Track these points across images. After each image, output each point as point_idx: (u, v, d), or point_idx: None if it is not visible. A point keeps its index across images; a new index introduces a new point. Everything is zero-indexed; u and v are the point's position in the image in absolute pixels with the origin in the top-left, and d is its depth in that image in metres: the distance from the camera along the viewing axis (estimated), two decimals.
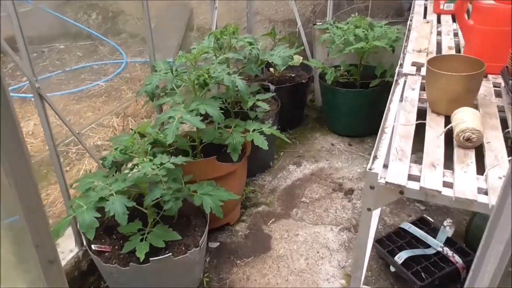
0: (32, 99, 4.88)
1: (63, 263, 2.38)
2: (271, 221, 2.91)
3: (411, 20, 2.88)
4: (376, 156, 1.44)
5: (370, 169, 1.36)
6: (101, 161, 2.07)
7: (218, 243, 2.73)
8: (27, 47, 1.95)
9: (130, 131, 4.23)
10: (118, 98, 4.86)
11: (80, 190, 2.02)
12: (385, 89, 3.68)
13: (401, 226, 2.55)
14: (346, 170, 3.43)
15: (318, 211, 2.99)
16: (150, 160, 1.99)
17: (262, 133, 2.62)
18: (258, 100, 3.02)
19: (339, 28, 3.63)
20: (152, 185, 2.00)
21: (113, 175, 2.08)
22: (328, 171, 3.43)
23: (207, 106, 2.26)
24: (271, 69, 4.03)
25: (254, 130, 2.64)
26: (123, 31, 6.76)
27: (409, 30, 2.66)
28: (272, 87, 3.56)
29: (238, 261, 2.59)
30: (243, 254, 2.65)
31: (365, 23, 3.55)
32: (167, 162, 1.97)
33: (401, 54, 2.29)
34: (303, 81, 3.88)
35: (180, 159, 2.01)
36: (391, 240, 2.48)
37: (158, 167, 1.95)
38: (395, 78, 2.00)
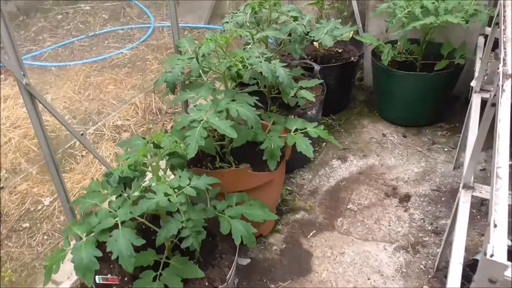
0: (53, 68, 4.57)
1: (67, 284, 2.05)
2: (311, 234, 2.47)
3: None
4: (495, 223, 0.94)
5: (491, 256, 0.88)
6: (106, 177, 1.64)
7: (249, 260, 2.33)
8: (12, 37, 1.47)
9: (153, 111, 3.84)
10: (143, 69, 4.42)
11: (80, 211, 1.62)
12: (453, 74, 3.07)
13: (477, 257, 2.05)
14: (400, 169, 2.91)
15: (368, 223, 2.52)
16: (165, 181, 1.56)
17: (306, 134, 2.13)
18: (301, 88, 2.51)
19: None
20: (168, 214, 1.58)
21: (121, 194, 1.66)
22: (379, 169, 2.92)
23: (240, 106, 1.78)
24: (315, 43, 3.47)
25: (296, 130, 2.16)
26: None
27: (503, 6, 2.03)
28: (316, 67, 3.01)
29: (272, 286, 2.18)
30: (278, 276, 2.23)
31: None
32: (187, 185, 1.52)
33: (500, 44, 1.70)
34: (353, 59, 3.30)
35: (204, 181, 1.56)
36: (464, 276, 1.99)
37: (175, 191, 1.51)
38: (499, 82, 1.44)
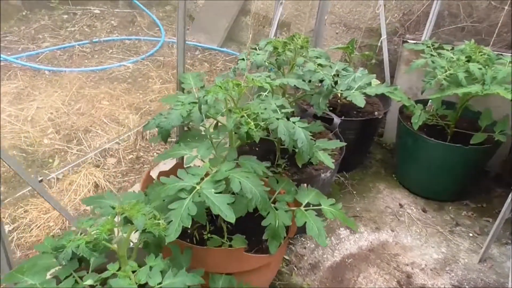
0: (47, 72, 4.18)
1: None
2: None
3: None
4: None
5: None
6: (55, 251, 1.23)
7: None
8: None
9: (147, 137, 3.44)
10: (143, 87, 4.05)
11: None
12: (489, 150, 2.68)
13: None
14: (417, 252, 2.50)
15: None
16: (133, 271, 1.15)
17: (319, 212, 1.73)
18: (318, 147, 2.11)
19: (443, 56, 2.64)
20: None
21: (72, 275, 1.25)
22: (392, 248, 2.51)
23: (245, 177, 1.38)
24: None
25: (308, 204, 1.76)
26: (169, 3, 5.92)
27: None
28: (336, 119, 2.63)
29: None
30: None
31: (483, 55, 2.54)
32: (157, 285, 1.12)
33: None
34: (378, 115, 2.93)
35: (182, 281, 1.15)
36: None
37: None
38: None
